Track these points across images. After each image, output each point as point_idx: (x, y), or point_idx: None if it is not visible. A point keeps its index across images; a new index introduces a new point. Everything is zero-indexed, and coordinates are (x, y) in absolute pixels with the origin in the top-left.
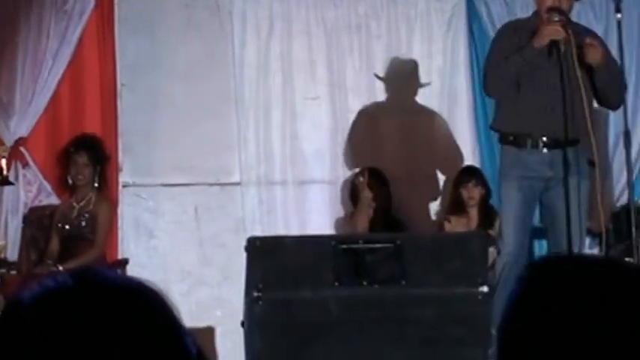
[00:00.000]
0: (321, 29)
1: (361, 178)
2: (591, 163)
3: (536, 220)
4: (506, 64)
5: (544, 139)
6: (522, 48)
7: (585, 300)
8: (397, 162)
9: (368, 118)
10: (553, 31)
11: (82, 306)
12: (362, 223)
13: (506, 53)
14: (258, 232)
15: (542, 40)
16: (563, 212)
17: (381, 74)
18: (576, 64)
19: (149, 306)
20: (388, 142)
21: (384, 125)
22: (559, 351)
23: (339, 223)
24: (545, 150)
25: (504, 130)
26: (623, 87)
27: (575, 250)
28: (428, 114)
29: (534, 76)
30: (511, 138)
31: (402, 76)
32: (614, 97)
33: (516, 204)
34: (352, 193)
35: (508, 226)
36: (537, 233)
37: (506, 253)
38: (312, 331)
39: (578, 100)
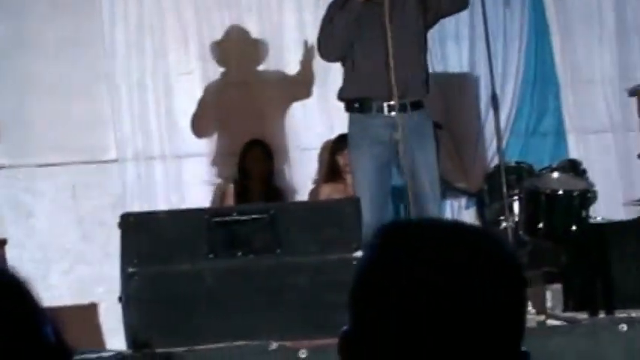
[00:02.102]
0: (191, 4)
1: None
2: (437, 125)
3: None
4: (334, 23)
5: (390, 102)
6: (346, 2)
7: (431, 263)
8: (277, 132)
9: (244, 91)
10: None
11: None
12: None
13: (335, 12)
14: (137, 208)
15: None
16: (415, 174)
17: (254, 47)
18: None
19: (3, 296)
20: (265, 112)
21: (261, 96)
22: (408, 315)
23: (217, 196)
24: (391, 113)
25: (348, 97)
26: None
27: (432, 210)
28: (304, 85)
29: (365, 36)
30: (356, 105)
31: (277, 47)
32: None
33: (370, 174)
34: (240, 163)
35: (364, 197)
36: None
37: (364, 223)
38: (189, 304)
39: (415, 59)
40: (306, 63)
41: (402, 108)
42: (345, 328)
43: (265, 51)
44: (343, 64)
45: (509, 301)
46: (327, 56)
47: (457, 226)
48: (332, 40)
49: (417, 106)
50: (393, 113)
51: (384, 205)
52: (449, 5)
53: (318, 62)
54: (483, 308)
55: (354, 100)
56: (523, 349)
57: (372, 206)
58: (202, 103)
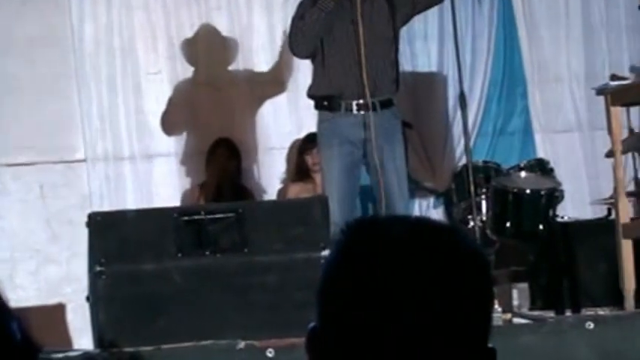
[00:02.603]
0: (159, 3)
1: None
2: (406, 124)
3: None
4: (305, 20)
5: (359, 101)
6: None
7: (396, 260)
8: (246, 132)
9: (213, 90)
10: None
11: None
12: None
13: (306, 9)
14: (106, 208)
15: None
16: (383, 173)
17: (223, 46)
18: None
19: None
20: (234, 112)
21: (230, 96)
22: (372, 311)
23: (186, 195)
24: (360, 112)
25: (317, 94)
26: None
27: (400, 209)
28: (274, 84)
29: (335, 34)
30: (325, 103)
31: (246, 47)
32: None
33: (338, 173)
34: (207, 163)
35: (332, 196)
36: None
37: (332, 222)
38: (156, 303)
39: (386, 57)
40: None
41: (371, 107)
42: (312, 325)
43: (234, 51)
44: (313, 61)
45: (475, 297)
46: (298, 52)
47: (422, 223)
48: (303, 37)
49: (386, 104)
50: (362, 112)
51: (352, 204)
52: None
53: (288, 61)
54: (448, 304)
55: (323, 98)
56: (490, 345)
57: (341, 205)
58: (171, 103)
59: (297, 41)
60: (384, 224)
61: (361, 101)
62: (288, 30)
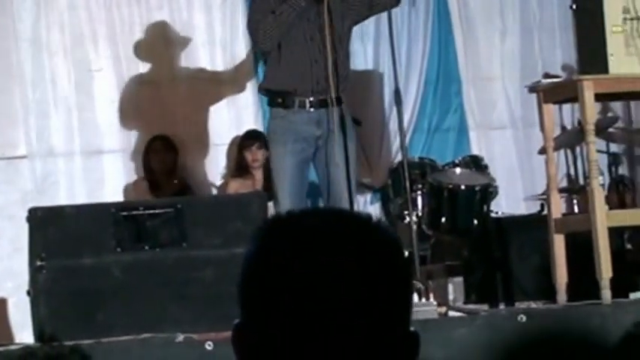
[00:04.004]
0: (101, 3)
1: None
2: (356, 122)
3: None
4: (278, 15)
5: (311, 99)
6: None
7: (312, 252)
8: (185, 127)
9: (155, 87)
10: None
11: None
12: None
13: (271, 5)
14: (47, 204)
15: None
16: (332, 170)
17: (164, 45)
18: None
19: None
20: (176, 109)
21: (170, 92)
22: (291, 305)
23: (127, 191)
24: (312, 109)
25: (272, 88)
26: None
27: (346, 205)
28: (213, 81)
29: (292, 31)
30: (279, 100)
31: (185, 45)
32: None
33: (290, 170)
34: (144, 159)
35: (283, 192)
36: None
37: None
38: (96, 297)
39: (339, 55)
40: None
41: (324, 103)
42: (236, 321)
43: (175, 49)
44: (268, 56)
45: (392, 284)
46: (264, 46)
47: (336, 214)
48: (271, 32)
49: (339, 101)
50: (314, 109)
51: (302, 201)
52: (382, 2)
53: (228, 59)
54: (366, 292)
55: (277, 95)
56: (412, 329)
57: (292, 201)
58: (114, 100)
59: (265, 35)
60: (299, 218)
61: (312, 98)
62: (249, 25)
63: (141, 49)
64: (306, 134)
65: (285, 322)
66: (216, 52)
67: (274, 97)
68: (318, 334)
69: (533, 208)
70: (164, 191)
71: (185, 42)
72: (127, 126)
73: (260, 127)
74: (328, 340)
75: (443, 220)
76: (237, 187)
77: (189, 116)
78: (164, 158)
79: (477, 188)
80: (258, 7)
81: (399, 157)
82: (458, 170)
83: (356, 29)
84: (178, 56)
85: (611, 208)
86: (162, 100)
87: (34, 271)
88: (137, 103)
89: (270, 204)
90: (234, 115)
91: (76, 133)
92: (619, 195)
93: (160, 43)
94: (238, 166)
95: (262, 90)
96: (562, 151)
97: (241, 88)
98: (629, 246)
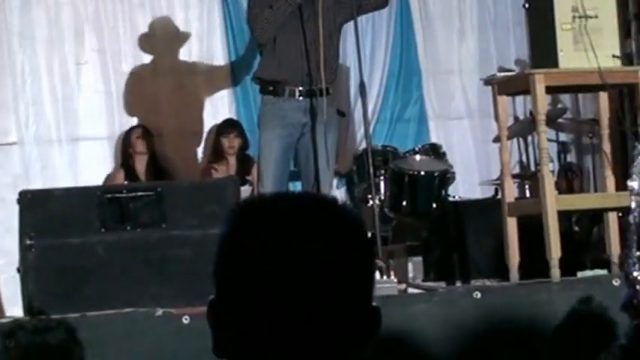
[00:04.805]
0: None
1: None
2: (340, 113)
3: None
4: (275, 10)
5: (300, 88)
6: None
7: (280, 231)
8: (167, 117)
9: (137, 79)
10: None
11: None
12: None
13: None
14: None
15: None
16: (315, 156)
17: (146, 39)
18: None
19: None
20: (158, 100)
21: (152, 85)
22: (260, 281)
23: (109, 177)
24: (301, 98)
25: (265, 78)
26: None
27: (326, 189)
28: (193, 73)
29: (290, 25)
30: (270, 88)
31: (166, 40)
32: None
33: (276, 153)
34: (123, 147)
35: (267, 174)
36: (293, 176)
37: None
38: (81, 274)
39: (330, 49)
40: None
41: (313, 93)
42: (211, 297)
43: (156, 43)
44: (264, 48)
45: (356, 261)
46: (262, 39)
47: (304, 197)
48: (269, 25)
49: (327, 92)
50: (303, 98)
51: (283, 183)
52: (372, 3)
53: (204, 52)
54: (332, 269)
55: (269, 83)
56: (374, 303)
57: (275, 183)
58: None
59: (264, 28)
60: (270, 201)
61: (301, 88)
62: (248, 18)
63: (124, 44)
64: (294, 120)
65: (255, 299)
66: (193, 46)
67: (266, 86)
68: (287, 310)
69: (488, 192)
70: (142, 175)
71: (165, 37)
72: (111, 115)
73: (234, 116)
74: (296, 314)
75: (404, 203)
76: (212, 171)
77: (170, 106)
78: (142, 146)
79: (436, 174)
80: (256, 1)
81: (363, 145)
82: (418, 157)
83: None
84: (158, 50)
85: (560, 193)
86: (144, 92)
87: (24, 250)
88: (120, 93)
89: (244, 188)
90: (210, 106)
91: (63, 121)
92: (567, 181)
93: (142, 38)
94: (214, 152)
95: (255, 79)
96: (515, 140)
97: (216, 80)
98: (576, 228)
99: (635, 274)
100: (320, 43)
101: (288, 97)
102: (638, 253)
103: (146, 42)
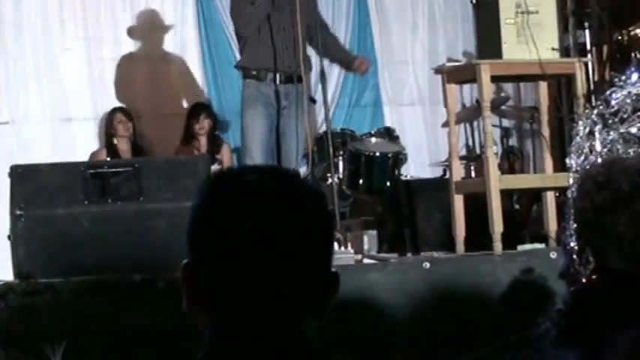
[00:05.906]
0: None
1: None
2: (312, 100)
3: None
4: (257, 7)
5: (280, 75)
6: None
7: (249, 200)
8: (144, 101)
9: (117, 65)
10: None
11: None
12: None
13: None
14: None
15: None
16: (288, 135)
17: (125, 27)
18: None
19: None
20: (135, 84)
21: (131, 70)
22: (229, 247)
23: (94, 154)
24: (280, 84)
25: (249, 66)
26: None
27: (294, 165)
28: (168, 60)
29: (271, 20)
30: (253, 73)
31: (145, 29)
32: None
33: (260, 128)
34: (106, 127)
35: (255, 149)
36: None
37: None
38: (67, 242)
39: (304, 40)
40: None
41: (290, 80)
42: (184, 261)
43: (135, 31)
44: (247, 39)
45: (317, 229)
46: (246, 32)
47: (272, 170)
48: (251, 20)
49: (300, 79)
50: (280, 84)
51: (269, 158)
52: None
53: (178, 40)
54: (296, 236)
55: (251, 70)
56: (333, 270)
57: (262, 153)
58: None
59: (248, 23)
60: (238, 172)
61: (280, 76)
62: (231, 13)
63: (105, 32)
64: (274, 102)
65: (225, 260)
66: (168, 35)
67: (249, 72)
68: (254, 270)
69: (437, 172)
70: (123, 153)
71: (143, 26)
72: (94, 98)
73: (205, 100)
74: (262, 275)
75: (360, 181)
76: (185, 150)
77: (149, 91)
78: (123, 126)
79: (390, 155)
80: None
81: (323, 128)
82: (373, 140)
83: None
84: (136, 38)
85: (502, 174)
86: (123, 76)
87: (14, 219)
88: (102, 77)
89: (213, 167)
90: (184, 90)
91: (50, 102)
92: (509, 163)
93: (122, 26)
94: (186, 133)
95: (239, 67)
96: (462, 125)
97: (189, 66)
98: (517, 206)
99: (571, 244)
100: (298, 35)
101: (270, 82)
102: (574, 225)
103: (125, 30)
